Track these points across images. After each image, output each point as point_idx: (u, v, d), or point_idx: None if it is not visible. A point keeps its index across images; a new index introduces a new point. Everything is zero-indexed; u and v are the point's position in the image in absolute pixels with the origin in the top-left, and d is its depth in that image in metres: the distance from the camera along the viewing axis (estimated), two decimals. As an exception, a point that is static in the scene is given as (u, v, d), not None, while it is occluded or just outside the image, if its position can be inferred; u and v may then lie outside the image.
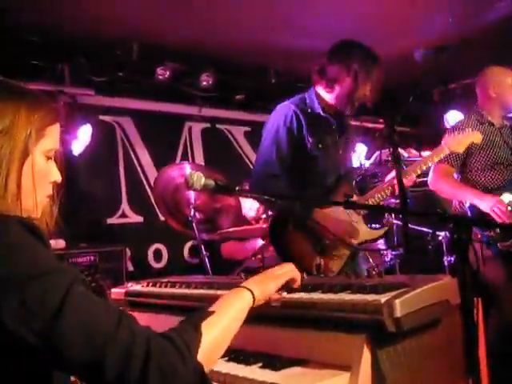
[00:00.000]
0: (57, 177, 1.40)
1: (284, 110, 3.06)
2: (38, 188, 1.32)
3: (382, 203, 3.11)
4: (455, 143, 3.30)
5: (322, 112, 3.10)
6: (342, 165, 3.22)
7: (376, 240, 3.16)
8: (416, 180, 3.18)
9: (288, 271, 1.68)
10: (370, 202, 3.02)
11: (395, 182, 3.00)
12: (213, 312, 1.34)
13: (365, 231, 3.00)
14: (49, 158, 1.36)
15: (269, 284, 1.58)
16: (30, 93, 1.36)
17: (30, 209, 1.31)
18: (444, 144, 3.27)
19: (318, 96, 3.13)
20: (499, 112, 3.78)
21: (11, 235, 1.13)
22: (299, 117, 3.01)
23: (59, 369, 1.18)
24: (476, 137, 3.42)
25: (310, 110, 3.09)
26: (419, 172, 3.15)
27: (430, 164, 3.22)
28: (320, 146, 3.02)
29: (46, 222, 1.44)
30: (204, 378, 1.22)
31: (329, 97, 3.12)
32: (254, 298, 1.48)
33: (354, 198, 3.04)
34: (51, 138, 1.35)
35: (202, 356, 1.22)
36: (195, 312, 1.35)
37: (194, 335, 1.24)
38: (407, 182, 3.06)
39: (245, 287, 1.49)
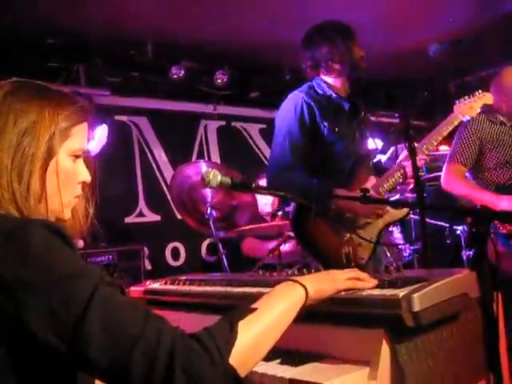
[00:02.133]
0: (85, 177, 1.39)
1: (294, 100, 3.04)
2: (63, 189, 1.30)
3: (395, 188, 3.08)
4: (467, 108, 3.26)
5: (333, 94, 3.07)
6: (360, 148, 3.19)
7: (400, 220, 3.11)
8: (427, 159, 3.14)
9: (351, 278, 1.57)
10: (385, 186, 2.99)
11: (405, 164, 2.98)
12: (255, 309, 1.25)
13: (389, 215, 2.96)
14: (77, 158, 1.35)
15: (326, 285, 1.49)
16: (56, 92, 1.34)
17: (56, 210, 1.30)
18: (456, 111, 3.23)
19: (324, 81, 3.12)
20: (509, 115, 3.73)
21: (36, 238, 1.12)
22: (310, 104, 2.97)
23: (85, 372, 1.17)
24: (487, 98, 3.36)
25: (321, 93, 3.07)
26: (434, 144, 3.09)
27: (444, 134, 3.15)
28: (336, 129, 2.98)
29: (80, 222, 1.43)
30: (238, 380, 1.15)
31: (332, 80, 3.11)
32: (307, 295, 1.39)
33: (373, 180, 3.01)
34: (78, 138, 1.34)
35: (235, 359, 1.14)
36: (236, 308, 1.27)
37: (228, 336, 1.16)
38: (419, 161, 2.99)
39: (298, 282, 1.40)
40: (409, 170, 2.96)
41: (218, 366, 1.11)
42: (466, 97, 3.34)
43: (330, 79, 3.12)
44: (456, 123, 3.20)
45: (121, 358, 1.08)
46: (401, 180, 3.00)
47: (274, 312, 1.28)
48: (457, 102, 3.32)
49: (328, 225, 2.84)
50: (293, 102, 3.03)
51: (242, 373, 1.16)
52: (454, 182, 3.68)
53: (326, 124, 2.97)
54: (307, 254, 2.93)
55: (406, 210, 3.02)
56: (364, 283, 1.57)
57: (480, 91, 3.37)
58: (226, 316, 1.22)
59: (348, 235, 2.83)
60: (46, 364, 1.15)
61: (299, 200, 2.70)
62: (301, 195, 2.76)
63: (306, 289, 1.39)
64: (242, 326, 1.19)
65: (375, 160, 3.09)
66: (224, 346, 1.14)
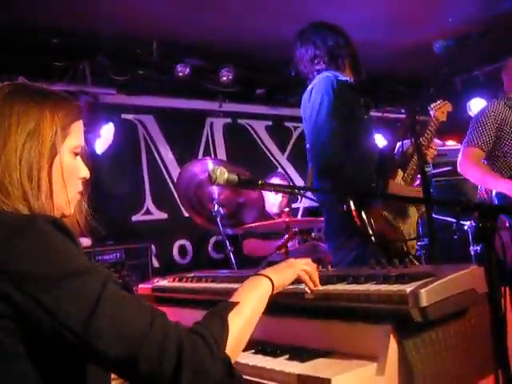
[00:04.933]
0: (85, 173, 1.43)
1: (326, 81, 2.93)
2: (68, 185, 1.34)
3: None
4: (440, 112, 3.31)
5: (353, 83, 3.03)
6: (374, 141, 3.21)
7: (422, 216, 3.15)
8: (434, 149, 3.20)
9: (304, 262, 1.71)
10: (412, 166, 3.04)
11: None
12: (236, 303, 1.37)
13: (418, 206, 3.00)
14: (76, 155, 1.39)
15: (286, 271, 1.63)
16: (52, 93, 1.38)
17: (62, 206, 1.34)
18: (433, 115, 3.30)
19: (339, 73, 3.03)
20: None
21: (43, 234, 1.15)
22: (343, 84, 2.92)
23: (95, 364, 1.21)
24: (448, 106, 3.39)
25: (344, 81, 2.98)
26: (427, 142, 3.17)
27: (432, 132, 3.23)
28: (366, 117, 2.99)
29: (77, 219, 1.47)
30: (232, 370, 1.25)
31: (346, 75, 3.06)
32: (272, 285, 1.51)
33: (400, 174, 3.06)
34: (76, 135, 1.38)
35: (229, 348, 1.25)
36: (219, 303, 1.38)
37: (222, 329, 1.27)
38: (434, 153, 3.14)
39: (263, 275, 1.53)
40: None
41: (217, 357, 1.22)
42: (434, 103, 3.39)
43: (344, 73, 3.06)
44: (437, 123, 3.28)
45: (130, 351, 1.13)
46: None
47: (251, 305, 1.40)
48: (429, 108, 3.39)
49: (384, 222, 2.84)
50: (326, 83, 2.92)
51: (234, 360, 1.27)
52: (470, 166, 3.70)
53: (357, 108, 2.95)
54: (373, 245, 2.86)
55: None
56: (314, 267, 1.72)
57: (441, 100, 3.42)
58: (213, 310, 1.34)
59: (400, 227, 2.86)
60: (58, 355, 1.18)
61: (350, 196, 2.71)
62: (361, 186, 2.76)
63: (271, 280, 1.52)
64: (230, 319, 1.31)
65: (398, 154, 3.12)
66: (220, 338, 1.25)
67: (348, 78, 3.01)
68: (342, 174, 2.78)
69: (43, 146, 1.28)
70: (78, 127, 1.39)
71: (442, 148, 5.23)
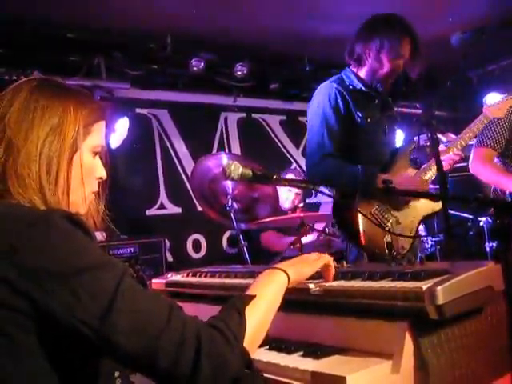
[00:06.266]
0: (102, 173, 1.44)
1: (326, 89, 3.06)
2: (85, 183, 1.35)
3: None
4: (496, 109, 3.31)
5: (363, 87, 3.10)
6: (391, 140, 3.23)
7: (436, 214, 3.13)
8: (462, 155, 3.19)
9: (323, 258, 1.70)
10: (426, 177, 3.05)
11: (443, 158, 2.98)
12: (253, 296, 1.37)
13: (427, 204, 2.99)
14: (95, 155, 1.40)
15: (304, 267, 1.61)
16: (76, 90, 1.40)
17: (77, 204, 1.35)
18: (485, 111, 3.28)
19: (354, 74, 3.14)
20: None
21: (59, 229, 1.16)
22: (343, 93, 3.00)
23: (111, 359, 1.22)
24: (509, 102, 3.40)
25: (351, 87, 3.09)
26: (467, 141, 3.19)
27: (476, 132, 3.25)
28: (369, 120, 3.01)
29: (92, 217, 1.47)
30: (249, 363, 1.26)
31: (364, 73, 3.14)
32: (288, 278, 1.50)
33: (412, 172, 3.07)
34: (97, 135, 1.39)
35: (247, 341, 1.26)
36: (236, 297, 1.38)
37: (240, 322, 1.28)
38: (454, 156, 3.12)
39: (279, 268, 1.52)
40: (446, 164, 3.04)
41: (236, 351, 1.23)
42: (496, 100, 3.38)
43: (361, 72, 3.14)
44: (486, 122, 3.28)
45: (148, 345, 1.13)
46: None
47: (268, 298, 1.41)
48: (485, 103, 3.33)
49: (371, 214, 2.85)
50: (326, 91, 3.05)
51: (252, 353, 1.29)
52: (483, 166, 3.62)
53: (358, 113, 3.00)
54: (348, 241, 2.97)
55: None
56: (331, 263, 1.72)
57: (507, 94, 3.40)
58: (230, 303, 1.33)
59: (389, 225, 2.84)
60: (72, 352, 1.18)
61: (341, 187, 2.73)
62: (345, 181, 2.79)
63: (287, 273, 1.51)
64: (247, 312, 1.31)
65: (413, 152, 3.12)
66: (238, 331, 1.26)
67: (360, 86, 3.09)
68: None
69: (65, 141, 1.29)
70: (100, 127, 1.40)
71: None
